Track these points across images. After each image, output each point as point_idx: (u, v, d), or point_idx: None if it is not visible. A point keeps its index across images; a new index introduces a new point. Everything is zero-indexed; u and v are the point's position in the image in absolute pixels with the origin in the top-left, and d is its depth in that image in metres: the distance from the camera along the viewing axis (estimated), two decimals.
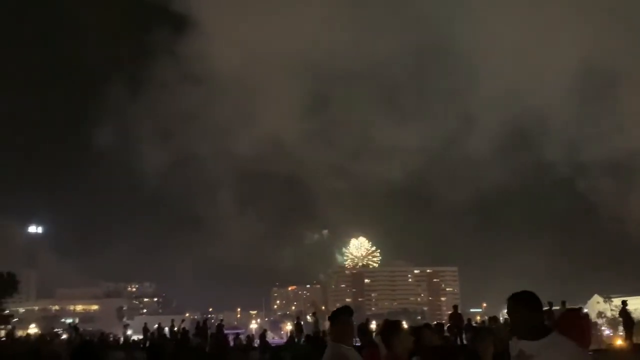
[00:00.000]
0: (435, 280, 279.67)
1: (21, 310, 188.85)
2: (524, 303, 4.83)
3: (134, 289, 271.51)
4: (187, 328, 39.54)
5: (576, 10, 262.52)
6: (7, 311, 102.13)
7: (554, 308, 26.53)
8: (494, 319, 29.67)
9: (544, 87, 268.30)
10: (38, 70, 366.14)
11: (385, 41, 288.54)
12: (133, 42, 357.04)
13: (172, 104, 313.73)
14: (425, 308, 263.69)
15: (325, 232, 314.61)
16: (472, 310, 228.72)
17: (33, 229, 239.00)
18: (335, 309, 6.95)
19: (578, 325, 7.79)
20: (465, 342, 27.70)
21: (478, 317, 73.52)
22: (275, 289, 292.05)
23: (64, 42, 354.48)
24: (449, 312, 35.84)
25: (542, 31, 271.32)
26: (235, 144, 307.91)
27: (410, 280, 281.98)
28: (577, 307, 30.23)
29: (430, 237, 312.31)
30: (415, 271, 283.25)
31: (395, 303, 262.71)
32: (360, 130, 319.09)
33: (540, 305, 4.84)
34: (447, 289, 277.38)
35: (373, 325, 35.86)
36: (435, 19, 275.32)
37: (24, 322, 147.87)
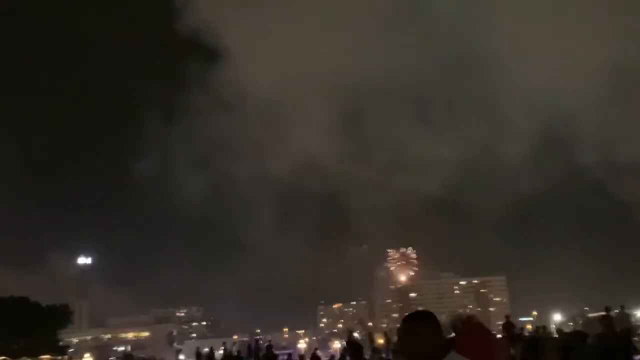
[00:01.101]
0: (482, 290, 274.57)
1: (75, 340, 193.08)
2: (420, 324, 4.42)
3: (183, 314, 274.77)
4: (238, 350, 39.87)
5: (605, 10, 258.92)
6: (61, 342, 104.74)
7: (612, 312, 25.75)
8: (543, 328, 29.04)
9: (575, 89, 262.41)
10: (79, 103, 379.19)
11: (415, 55, 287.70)
12: (167, 73, 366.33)
13: (208, 130, 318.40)
14: None
15: (364, 247, 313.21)
16: (522, 319, 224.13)
17: (82, 260, 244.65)
18: (383, 324, 6.99)
19: (481, 341, 7.46)
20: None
21: (529, 326, 71.71)
22: (320, 307, 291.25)
23: (104, 76, 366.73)
24: (500, 323, 35.14)
25: (570, 33, 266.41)
26: (272, 165, 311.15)
27: (457, 292, 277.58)
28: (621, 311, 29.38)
29: (473, 248, 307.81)
30: (462, 282, 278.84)
31: (443, 316, 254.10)
32: (394, 145, 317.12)
33: (439, 327, 4.44)
34: (496, 299, 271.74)
35: None
36: (462, 29, 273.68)
37: (78, 352, 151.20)
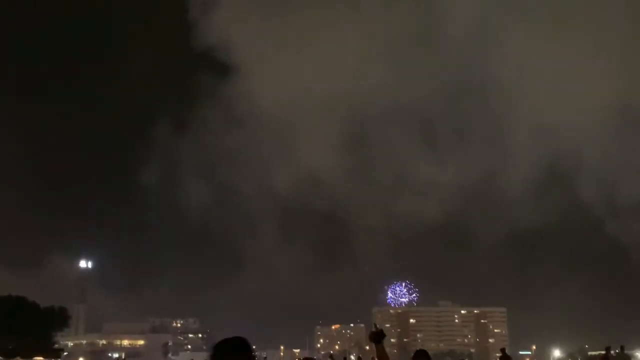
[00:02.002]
0: (482, 321, 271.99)
1: (70, 344, 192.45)
2: (239, 353, 4.09)
3: (179, 325, 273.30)
4: None
5: (612, 49, 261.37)
6: (56, 345, 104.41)
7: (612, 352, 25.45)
8: None
9: (581, 125, 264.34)
10: (88, 110, 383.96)
11: (423, 79, 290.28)
12: (179, 85, 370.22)
13: (215, 143, 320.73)
14: (473, 350, 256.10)
15: (366, 269, 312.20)
16: (521, 352, 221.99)
17: (83, 264, 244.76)
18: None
19: None
20: None
21: None
22: (318, 327, 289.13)
23: (114, 85, 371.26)
24: (498, 355, 34.83)
25: (580, 70, 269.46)
26: (276, 181, 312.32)
27: (456, 321, 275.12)
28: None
29: (473, 276, 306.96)
30: (462, 312, 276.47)
31: (442, 344, 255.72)
32: (398, 168, 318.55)
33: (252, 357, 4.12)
34: (495, 330, 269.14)
35: None
36: (472, 56, 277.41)
37: (73, 356, 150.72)
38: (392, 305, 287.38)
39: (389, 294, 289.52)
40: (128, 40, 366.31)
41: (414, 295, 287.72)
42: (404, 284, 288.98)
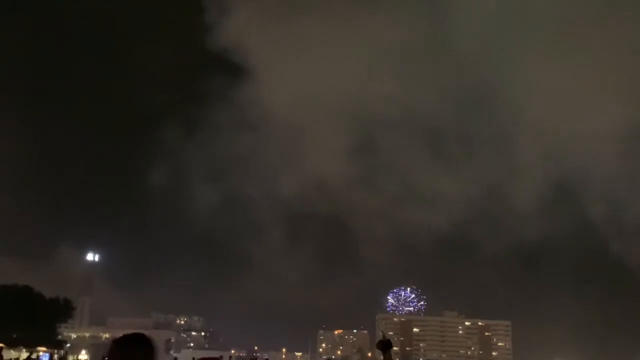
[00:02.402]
0: (487, 334, 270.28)
1: (73, 336, 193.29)
2: (139, 349, 3.96)
3: (183, 322, 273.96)
4: None
5: (623, 69, 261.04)
6: (60, 336, 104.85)
7: None
8: None
9: (589, 143, 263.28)
10: (100, 109, 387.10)
11: (432, 89, 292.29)
12: (190, 86, 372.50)
13: (224, 146, 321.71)
14: None
15: (371, 276, 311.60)
16: None
17: (90, 256, 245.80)
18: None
19: None
20: None
21: None
22: (321, 331, 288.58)
23: (127, 84, 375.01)
24: None
25: (589, 88, 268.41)
26: (283, 186, 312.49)
27: (460, 332, 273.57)
28: None
29: (478, 288, 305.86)
30: (467, 323, 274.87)
31: (444, 355, 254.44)
32: (404, 177, 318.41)
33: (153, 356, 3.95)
34: (499, 344, 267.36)
35: None
36: (482, 69, 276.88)
37: (76, 348, 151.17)
38: (393, 312, 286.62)
39: (390, 300, 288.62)
40: (142, 42, 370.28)
41: (422, 303, 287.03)
42: (408, 290, 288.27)
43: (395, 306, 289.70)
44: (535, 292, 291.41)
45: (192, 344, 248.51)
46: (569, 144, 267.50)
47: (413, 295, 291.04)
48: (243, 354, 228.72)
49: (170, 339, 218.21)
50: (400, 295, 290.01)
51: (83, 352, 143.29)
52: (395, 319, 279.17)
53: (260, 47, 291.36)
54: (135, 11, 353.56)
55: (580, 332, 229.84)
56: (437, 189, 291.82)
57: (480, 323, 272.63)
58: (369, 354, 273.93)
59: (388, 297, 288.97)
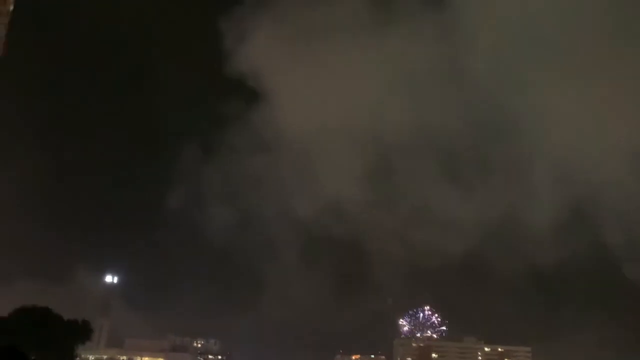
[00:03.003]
0: None
1: (91, 357, 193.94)
2: None
3: (200, 345, 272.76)
4: None
5: (637, 93, 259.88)
6: (78, 358, 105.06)
7: None
8: None
9: (603, 167, 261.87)
10: (120, 130, 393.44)
11: (447, 114, 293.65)
12: (209, 110, 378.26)
13: (241, 167, 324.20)
14: None
15: (389, 300, 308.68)
16: None
17: (109, 278, 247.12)
18: None
19: None
20: None
21: None
22: (338, 356, 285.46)
23: (145, 107, 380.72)
24: None
25: (603, 112, 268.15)
26: (299, 208, 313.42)
27: (480, 358, 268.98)
28: None
29: (493, 313, 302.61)
30: (486, 349, 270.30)
31: None
32: (419, 200, 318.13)
33: None
34: None
35: None
36: (497, 93, 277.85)
37: None
38: (409, 337, 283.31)
39: (405, 326, 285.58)
40: (162, 64, 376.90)
41: (444, 328, 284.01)
42: (426, 311, 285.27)
43: (411, 330, 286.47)
44: (552, 317, 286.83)
45: None
46: (584, 167, 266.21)
47: (433, 318, 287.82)
48: None
49: None
50: (419, 316, 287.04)
51: None
52: (413, 344, 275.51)
53: (277, 72, 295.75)
54: (156, 37, 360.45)
55: (598, 356, 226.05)
56: (452, 213, 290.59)
57: (500, 349, 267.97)
58: None
59: (403, 321, 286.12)
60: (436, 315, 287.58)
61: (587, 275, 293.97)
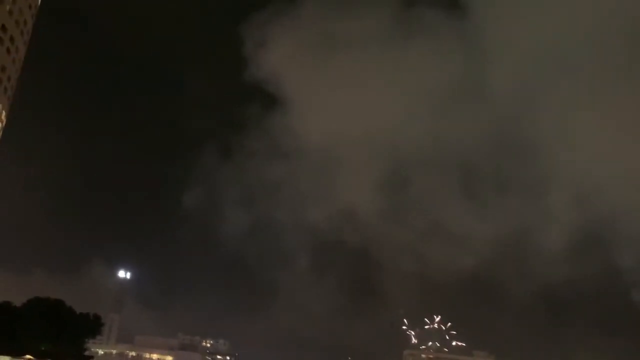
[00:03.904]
0: None
1: (100, 352, 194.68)
2: None
3: (209, 345, 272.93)
4: None
5: None
6: (87, 352, 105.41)
7: None
8: None
9: (621, 189, 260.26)
10: (139, 132, 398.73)
11: (466, 130, 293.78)
12: (228, 114, 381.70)
13: (257, 172, 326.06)
14: None
15: (400, 310, 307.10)
16: None
17: (122, 274, 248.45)
18: None
19: None
20: None
21: None
22: None
23: (168, 110, 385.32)
24: None
25: (622, 134, 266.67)
26: (313, 215, 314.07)
27: None
28: None
29: (504, 330, 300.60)
30: None
31: None
32: (433, 214, 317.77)
33: None
34: None
35: None
36: (516, 112, 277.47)
37: None
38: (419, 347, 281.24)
39: (412, 334, 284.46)
40: (184, 69, 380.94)
41: (453, 342, 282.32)
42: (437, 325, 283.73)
43: (420, 341, 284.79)
44: (561, 336, 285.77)
45: None
46: (600, 189, 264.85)
47: (443, 330, 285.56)
48: None
49: None
50: (429, 328, 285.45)
51: None
52: (423, 355, 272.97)
53: (297, 80, 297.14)
54: (179, 41, 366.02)
55: None
56: (465, 228, 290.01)
57: None
58: None
59: (412, 332, 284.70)
60: (445, 327, 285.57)
61: (597, 297, 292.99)
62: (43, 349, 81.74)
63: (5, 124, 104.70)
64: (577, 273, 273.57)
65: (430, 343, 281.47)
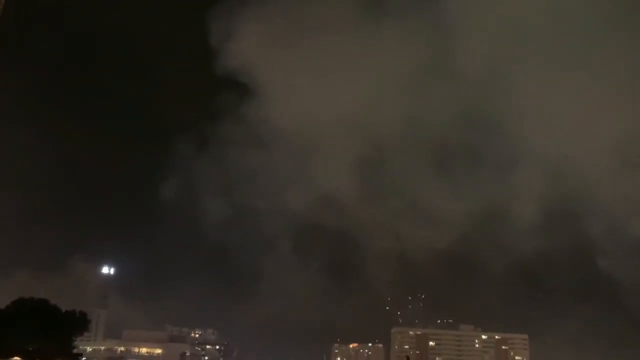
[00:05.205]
0: (504, 347, 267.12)
1: (89, 349, 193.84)
2: None
3: (197, 335, 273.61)
4: None
5: (625, 88, 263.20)
6: (75, 349, 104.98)
7: None
8: None
9: (590, 161, 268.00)
10: (117, 125, 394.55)
11: (438, 108, 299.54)
12: (202, 105, 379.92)
13: (234, 161, 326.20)
14: None
15: (385, 290, 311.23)
16: None
17: (106, 270, 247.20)
18: None
19: None
20: None
21: None
22: (336, 345, 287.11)
23: (138, 103, 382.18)
24: None
25: (592, 107, 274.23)
26: (292, 200, 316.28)
27: (477, 345, 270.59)
28: None
29: (483, 303, 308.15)
30: (483, 337, 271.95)
31: None
32: (409, 193, 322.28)
33: None
34: (517, 357, 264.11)
35: None
36: (487, 89, 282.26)
37: None
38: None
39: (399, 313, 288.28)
40: (154, 62, 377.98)
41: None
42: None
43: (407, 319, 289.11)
44: (538, 305, 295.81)
45: (207, 358, 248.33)
46: (571, 161, 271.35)
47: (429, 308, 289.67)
48: None
49: (186, 353, 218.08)
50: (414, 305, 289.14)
51: None
52: (410, 332, 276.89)
53: (268, 67, 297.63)
54: (149, 33, 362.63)
55: (588, 346, 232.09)
56: (441, 206, 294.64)
57: (497, 337, 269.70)
58: None
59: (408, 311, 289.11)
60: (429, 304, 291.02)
61: (569, 266, 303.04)
62: (30, 349, 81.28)
63: None
64: (549, 244, 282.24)
65: (417, 321, 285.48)
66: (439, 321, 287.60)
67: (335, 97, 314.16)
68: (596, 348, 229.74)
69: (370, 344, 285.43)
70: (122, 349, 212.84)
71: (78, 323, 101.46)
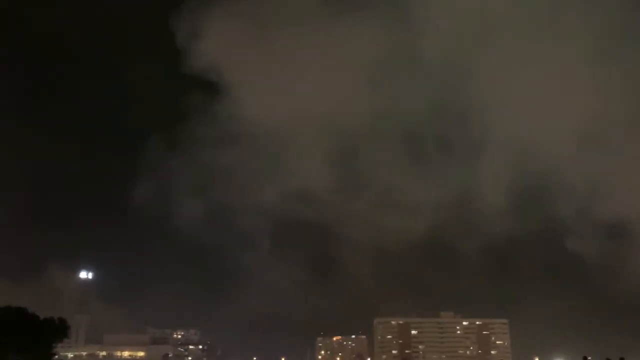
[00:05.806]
0: (484, 332, 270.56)
1: (70, 355, 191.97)
2: None
3: (180, 336, 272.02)
4: None
5: (591, 74, 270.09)
6: (56, 356, 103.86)
7: None
8: None
9: (556, 146, 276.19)
10: (87, 129, 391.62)
11: (406, 99, 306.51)
12: (172, 105, 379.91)
13: (207, 160, 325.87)
14: None
15: (363, 280, 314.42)
16: None
17: (83, 274, 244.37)
18: None
19: None
20: None
21: None
22: (320, 338, 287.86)
23: (112, 102, 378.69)
24: None
25: (557, 92, 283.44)
26: (268, 196, 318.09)
27: (458, 332, 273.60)
28: None
29: (460, 289, 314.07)
30: (464, 323, 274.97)
31: (444, 356, 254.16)
32: (382, 184, 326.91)
33: None
34: (498, 342, 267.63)
35: None
36: (454, 78, 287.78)
37: None
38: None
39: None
40: (121, 64, 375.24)
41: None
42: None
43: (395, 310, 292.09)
44: (512, 285, 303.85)
45: (190, 358, 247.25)
46: (537, 146, 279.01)
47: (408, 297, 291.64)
48: None
49: (169, 354, 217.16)
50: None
51: None
52: (392, 322, 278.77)
53: (235, 65, 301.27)
54: (116, 34, 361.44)
55: (564, 328, 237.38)
56: (414, 194, 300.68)
57: (477, 322, 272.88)
58: (369, 359, 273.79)
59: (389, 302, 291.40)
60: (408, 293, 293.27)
61: (539, 246, 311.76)
62: (10, 359, 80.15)
63: None
64: (519, 227, 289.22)
65: (397, 311, 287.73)
66: (419, 310, 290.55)
67: (304, 92, 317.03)
68: (572, 329, 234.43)
69: (353, 336, 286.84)
70: (104, 353, 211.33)
71: (57, 330, 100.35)
